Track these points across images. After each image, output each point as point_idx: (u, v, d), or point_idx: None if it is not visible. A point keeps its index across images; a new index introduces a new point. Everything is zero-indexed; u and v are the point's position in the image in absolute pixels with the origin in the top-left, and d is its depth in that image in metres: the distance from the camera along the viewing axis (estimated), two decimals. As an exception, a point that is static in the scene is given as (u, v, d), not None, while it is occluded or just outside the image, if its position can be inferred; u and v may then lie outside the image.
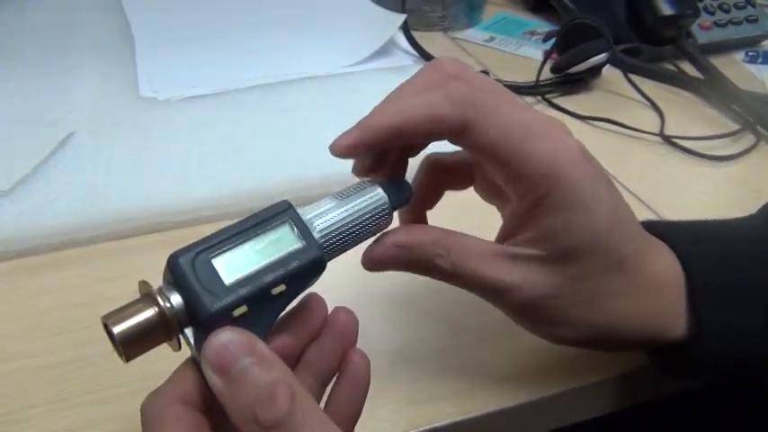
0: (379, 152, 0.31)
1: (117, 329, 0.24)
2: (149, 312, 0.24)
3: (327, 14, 0.76)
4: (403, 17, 0.68)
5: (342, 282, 0.38)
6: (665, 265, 0.31)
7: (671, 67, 0.67)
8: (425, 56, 0.67)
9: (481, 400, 0.34)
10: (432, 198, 0.35)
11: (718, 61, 0.66)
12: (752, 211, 0.37)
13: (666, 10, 0.67)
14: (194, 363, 0.25)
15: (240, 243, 0.26)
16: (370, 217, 0.29)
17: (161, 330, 0.24)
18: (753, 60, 0.75)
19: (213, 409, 0.25)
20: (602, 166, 0.31)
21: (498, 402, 0.34)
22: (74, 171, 0.48)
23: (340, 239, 0.28)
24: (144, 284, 0.25)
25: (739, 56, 0.76)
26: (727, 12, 0.75)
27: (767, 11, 0.77)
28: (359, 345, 0.29)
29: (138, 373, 0.35)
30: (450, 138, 0.30)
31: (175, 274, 0.25)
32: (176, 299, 0.24)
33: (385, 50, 0.68)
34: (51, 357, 0.36)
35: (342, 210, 0.28)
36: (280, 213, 0.27)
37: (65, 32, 0.72)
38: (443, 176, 0.35)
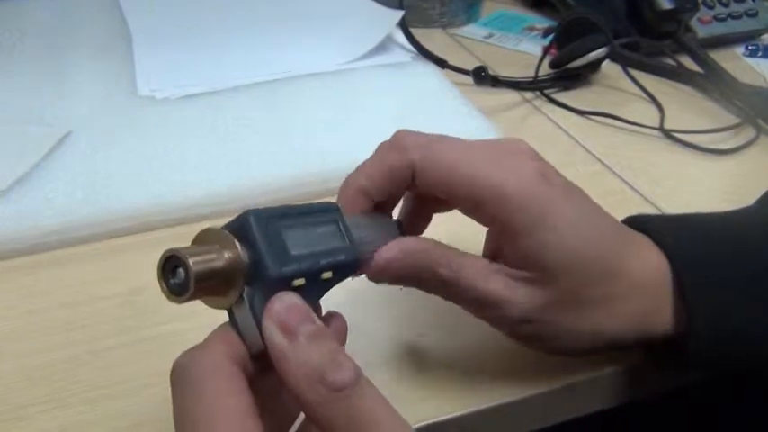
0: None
1: (195, 265, 0.23)
2: (226, 256, 0.24)
3: (325, 11, 0.76)
4: (401, 14, 0.67)
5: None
6: (649, 262, 0.31)
7: (670, 62, 0.67)
8: (424, 52, 0.67)
9: (479, 396, 0.34)
10: (421, 224, 0.36)
11: (717, 55, 0.66)
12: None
13: (665, 4, 0.67)
14: (232, 327, 0.25)
15: (303, 223, 0.27)
16: (387, 238, 0.31)
17: (227, 278, 0.24)
18: (752, 54, 0.75)
19: (248, 372, 0.24)
20: (565, 180, 0.31)
21: (496, 398, 0.34)
22: (71, 170, 0.48)
23: (365, 250, 0.30)
24: (215, 232, 0.25)
25: (739, 50, 0.75)
26: (726, 6, 0.75)
27: (767, 4, 0.77)
28: (357, 341, 0.29)
29: (134, 371, 0.35)
30: (405, 184, 0.32)
31: (247, 231, 0.24)
32: (245, 254, 0.24)
33: (383, 47, 0.68)
34: (47, 356, 0.36)
35: (370, 228, 0.31)
36: (331, 211, 0.29)
37: (62, 32, 0.72)
38: (427, 202, 0.35)
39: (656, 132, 0.58)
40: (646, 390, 0.39)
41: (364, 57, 0.66)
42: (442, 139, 0.32)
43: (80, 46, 0.68)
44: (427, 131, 0.33)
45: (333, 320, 0.29)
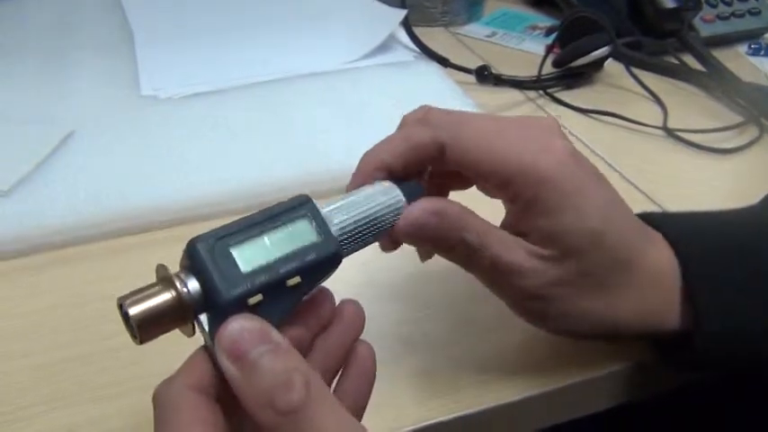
0: None
1: (133, 311, 0.24)
2: (166, 296, 0.24)
3: (328, 11, 0.76)
4: (404, 13, 0.67)
5: (345, 276, 0.37)
6: (662, 257, 0.32)
7: (673, 61, 0.67)
8: (427, 51, 0.67)
9: (485, 394, 0.34)
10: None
11: (720, 54, 0.65)
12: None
13: (668, 3, 0.67)
14: (207, 350, 0.25)
15: (259, 233, 0.26)
16: (388, 216, 0.30)
17: (176, 315, 0.24)
18: (755, 53, 0.74)
19: (225, 397, 0.24)
20: (592, 165, 0.31)
21: (503, 396, 0.34)
22: (74, 169, 0.48)
23: (357, 236, 0.28)
24: (162, 268, 0.25)
25: (742, 48, 0.75)
26: (729, 4, 0.75)
27: (770, 3, 0.77)
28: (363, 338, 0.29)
29: (138, 370, 0.35)
30: (433, 162, 0.31)
31: (194, 260, 0.24)
32: (193, 284, 0.24)
33: (386, 46, 0.68)
34: (51, 355, 0.36)
35: (360, 207, 0.29)
36: (299, 206, 0.27)
37: (65, 31, 0.72)
38: (445, 178, 0.35)
39: (659, 131, 0.58)
40: (651, 389, 0.39)
41: (367, 56, 0.66)
42: (471, 116, 0.32)
43: (83, 45, 0.68)
44: None
45: (346, 309, 0.28)
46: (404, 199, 0.30)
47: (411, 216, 0.30)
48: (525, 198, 0.30)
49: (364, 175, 0.31)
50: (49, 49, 0.67)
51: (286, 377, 0.22)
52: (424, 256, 0.35)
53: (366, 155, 0.32)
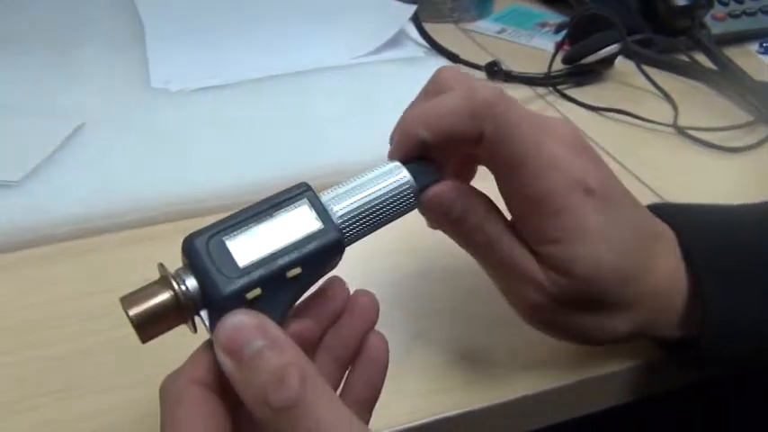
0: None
1: (133, 311, 0.24)
2: (165, 295, 0.24)
3: (338, 6, 0.76)
4: (413, 8, 0.67)
5: (354, 270, 0.37)
6: (667, 267, 0.32)
7: (684, 58, 0.67)
8: (436, 47, 0.67)
9: (494, 389, 0.34)
10: (466, 174, 0.35)
11: (731, 52, 0.65)
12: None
13: (680, 0, 0.67)
14: (211, 345, 0.25)
15: (256, 225, 0.25)
16: (394, 199, 0.29)
17: (176, 313, 0.24)
18: (767, 51, 0.74)
19: (230, 391, 0.24)
20: (606, 181, 0.31)
21: (510, 393, 0.34)
22: (85, 162, 0.49)
23: (361, 222, 0.28)
24: (161, 267, 0.25)
25: (753, 47, 0.75)
26: (740, 2, 0.74)
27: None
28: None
29: (151, 360, 0.35)
30: (465, 148, 0.30)
31: (190, 257, 0.24)
32: (191, 282, 0.24)
33: (396, 42, 0.67)
34: (64, 346, 0.36)
35: (364, 192, 0.28)
36: (298, 195, 0.26)
37: (76, 24, 0.72)
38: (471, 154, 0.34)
39: (669, 129, 0.58)
40: (656, 387, 0.38)
41: (376, 51, 0.66)
42: (515, 112, 0.29)
43: (93, 38, 0.68)
44: None
45: (359, 299, 0.28)
46: (412, 180, 0.29)
47: (434, 191, 0.30)
48: (540, 218, 0.29)
49: (402, 154, 0.30)
50: (59, 42, 0.67)
51: (281, 372, 0.22)
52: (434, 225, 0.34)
53: (404, 124, 0.31)
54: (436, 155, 0.31)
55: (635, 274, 0.30)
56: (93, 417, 0.33)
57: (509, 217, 0.32)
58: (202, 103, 0.57)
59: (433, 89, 0.32)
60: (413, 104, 0.33)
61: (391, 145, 0.31)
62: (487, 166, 0.31)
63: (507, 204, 0.31)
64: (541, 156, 0.29)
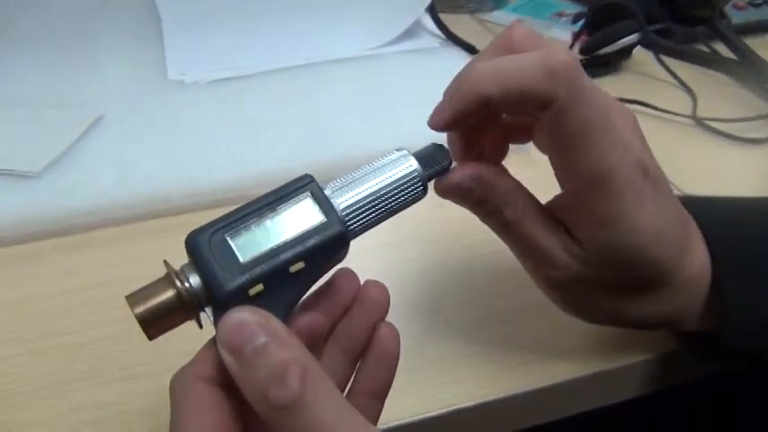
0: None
1: (137, 310, 0.24)
2: (168, 293, 0.24)
3: (354, -4, 0.76)
4: (429, -1, 0.67)
5: (367, 263, 0.38)
6: (699, 260, 0.31)
7: (704, 48, 0.66)
8: (452, 38, 0.66)
9: (506, 381, 0.34)
10: (496, 156, 0.33)
11: (752, 42, 0.64)
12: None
13: (700, -11, 0.66)
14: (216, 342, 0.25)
15: (258, 220, 0.25)
16: (401, 189, 0.28)
17: (181, 310, 0.24)
18: (789, 41, 0.73)
19: (235, 387, 0.25)
20: (655, 170, 0.30)
21: (523, 385, 0.34)
22: (103, 153, 0.49)
23: (366, 214, 0.27)
24: (166, 264, 0.25)
25: (774, 37, 0.74)
26: (762, -9, 0.73)
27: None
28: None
29: (171, 349, 0.35)
30: (531, 111, 0.28)
31: (192, 254, 0.24)
32: (195, 279, 0.24)
33: (411, 32, 0.67)
34: (86, 334, 0.37)
35: (368, 182, 0.27)
36: (301, 188, 0.26)
37: (93, 17, 0.72)
38: (503, 131, 0.33)
39: (688, 120, 0.57)
40: (672, 380, 0.38)
41: (392, 42, 0.66)
42: (588, 80, 0.27)
43: (110, 30, 0.69)
44: None
45: (369, 291, 0.28)
46: (419, 168, 0.28)
47: (449, 180, 0.29)
48: (587, 196, 0.28)
49: (462, 110, 0.28)
50: (77, 34, 0.68)
51: (281, 369, 0.22)
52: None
53: (469, 73, 0.28)
54: (483, 121, 0.29)
55: (677, 262, 0.30)
56: (118, 402, 0.33)
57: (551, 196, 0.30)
58: (218, 94, 0.57)
59: (505, 45, 0.30)
60: (479, 58, 0.30)
61: (445, 98, 0.29)
62: (543, 140, 0.29)
63: (561, 180, 0.30)
64: (611, 130, 0.28)
